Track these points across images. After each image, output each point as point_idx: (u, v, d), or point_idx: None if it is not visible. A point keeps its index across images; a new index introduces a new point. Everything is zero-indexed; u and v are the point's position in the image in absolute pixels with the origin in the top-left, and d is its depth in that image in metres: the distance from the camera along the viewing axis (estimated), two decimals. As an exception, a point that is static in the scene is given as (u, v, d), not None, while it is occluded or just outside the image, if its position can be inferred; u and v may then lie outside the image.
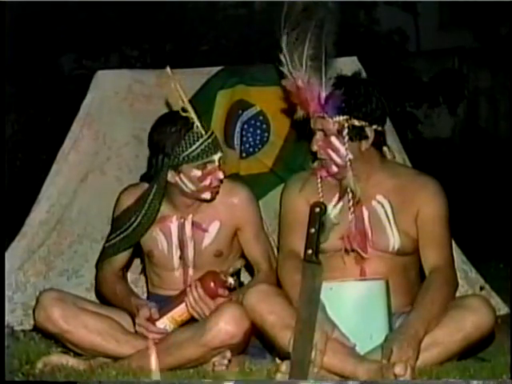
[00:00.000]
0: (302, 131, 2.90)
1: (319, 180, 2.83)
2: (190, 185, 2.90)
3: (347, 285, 2.71)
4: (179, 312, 2.84)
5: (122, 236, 2.99)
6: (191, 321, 2.85)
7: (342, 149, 2.74)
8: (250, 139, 3.56)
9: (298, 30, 2.70)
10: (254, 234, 3.03)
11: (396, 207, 2.79)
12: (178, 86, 2.86)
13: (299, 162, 3.45)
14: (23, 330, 3.25)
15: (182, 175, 2.88)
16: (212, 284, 2.82)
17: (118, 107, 3.56)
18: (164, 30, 7.68)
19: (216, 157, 2.89)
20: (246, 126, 3.55)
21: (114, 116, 3.55)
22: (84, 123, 3.52)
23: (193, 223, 2.99)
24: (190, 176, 2.88)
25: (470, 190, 7.18)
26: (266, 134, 3.58)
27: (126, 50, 8.10)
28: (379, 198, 2.80)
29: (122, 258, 3.04)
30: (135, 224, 2.95)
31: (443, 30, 10.27)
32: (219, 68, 3.64)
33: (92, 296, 3.33)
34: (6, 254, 3.35)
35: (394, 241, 2.77)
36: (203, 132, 2.85)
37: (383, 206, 2.80)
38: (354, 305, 2.63)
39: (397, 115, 7.01)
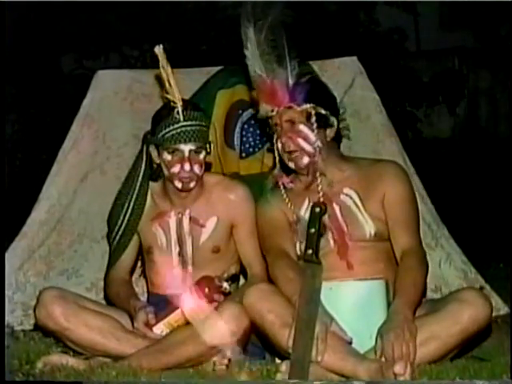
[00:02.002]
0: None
1: (282, 187, 2.88)
2: (165, 169, 2.92)
3: (347, 285, 2.71)
4: (175, 317, 2.84)
5: (120, 232, 3.01)
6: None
7: (312, 135, 2.79)
8: (250, 139, 3.55)
9: (257, 26, 2.73)
10: (248, 232, 3.02)
11: (363, 195, 2.82)
12: (167, 67, 2.84)
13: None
14: (23, 330, 3.26)
15: (161, 158, 2.91)
16: (207, 289, 2.82)
17: (118, 107, 3.56)
18: (164, 30, 7.68)
19: (185, 147, 2.86)
20: (246, 126, 3.54)
21: (114, 116, 3.56)
22: (84, 123, 3.53)
23: (190, 218, 2.99)
24: (163, 159, 2.90)
25: (469, 189, 7.18)
26: (266, 134, 3.58)
27: (125, 49, 8.11)
28: (346, 190, 2.84)
29: (128, 259, 3.07)
30: (129, 211, 2.99)
31: (443, 30, 10.25)
32: (219, 68, 3.64)
33: (92, 295, 3.34)
34: (6, 254, 3.35)
35: (369, 227, 2.79)
36: (181, 118, 2.83)
37: (351, 197, 2.83)
38: (353, 305, 2.64)
39: (397, 115, 7.01)
